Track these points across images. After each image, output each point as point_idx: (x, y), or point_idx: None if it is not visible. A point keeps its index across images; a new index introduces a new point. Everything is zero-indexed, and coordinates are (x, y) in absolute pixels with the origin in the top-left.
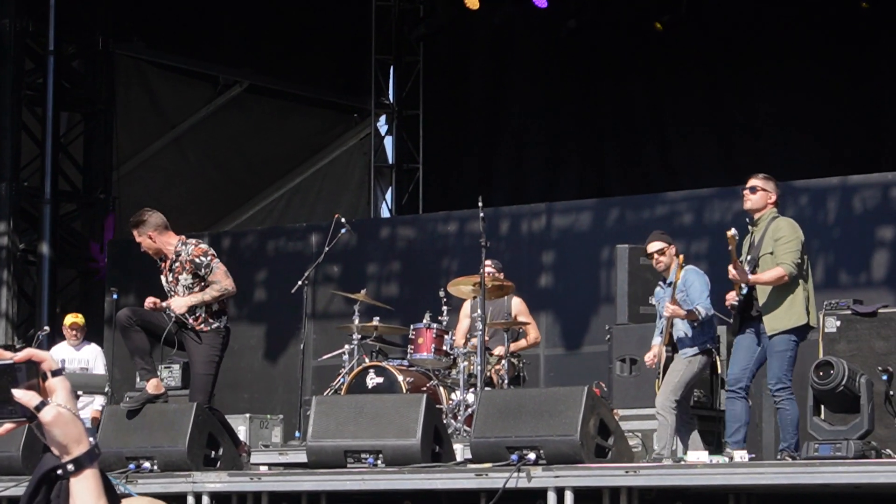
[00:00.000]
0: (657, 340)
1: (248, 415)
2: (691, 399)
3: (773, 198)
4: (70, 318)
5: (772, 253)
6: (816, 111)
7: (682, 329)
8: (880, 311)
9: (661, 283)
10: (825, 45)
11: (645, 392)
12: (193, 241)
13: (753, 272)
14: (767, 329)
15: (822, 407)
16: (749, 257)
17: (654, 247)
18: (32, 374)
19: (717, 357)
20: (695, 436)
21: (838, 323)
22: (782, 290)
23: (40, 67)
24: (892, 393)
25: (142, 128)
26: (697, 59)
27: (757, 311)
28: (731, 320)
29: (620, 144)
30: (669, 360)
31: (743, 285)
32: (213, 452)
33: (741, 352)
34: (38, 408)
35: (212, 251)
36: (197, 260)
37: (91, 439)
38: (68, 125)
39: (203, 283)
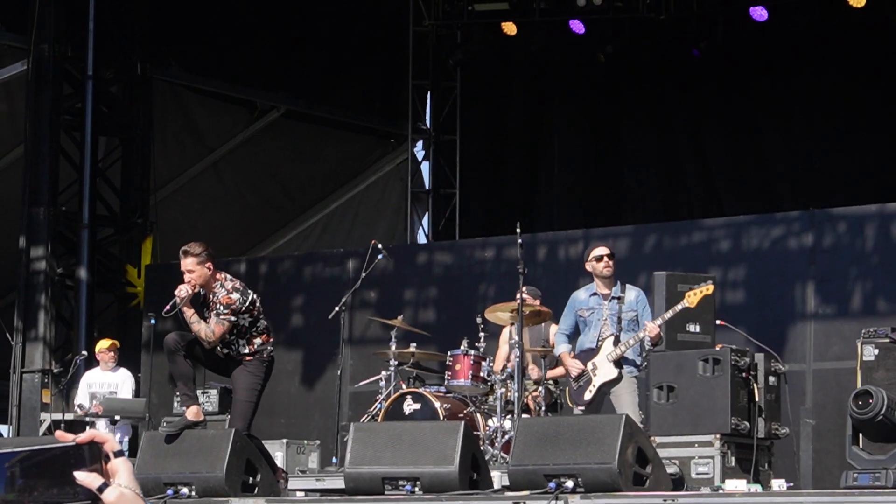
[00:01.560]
0: (590, 345)
1: (285, 440)
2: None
3: None
4: (107, 342)
5: None
6: (855, 138)
7: (635, 352)
8: None
9: (595, 292)
10: (861, 71)
11: (683, 419)
12: (229, 285)
13: None
14: None
15: (861, 436)
16: None
17: (604, 251)
18: (95, 456)
19: (755, 384)
20: None
21: (876, 351)
22: None
23: (79, 92)
24: None
25: (179, 152)
26: (735, 86)
27: None
28: None
29: (660, 170)
30: (616, 381)
31: None
32: (251, 478)
33: None
34: (101, 489)
35: (237, 305)
36: (219, 307)
37: None
38: (106, 150)
39: (236, 328)
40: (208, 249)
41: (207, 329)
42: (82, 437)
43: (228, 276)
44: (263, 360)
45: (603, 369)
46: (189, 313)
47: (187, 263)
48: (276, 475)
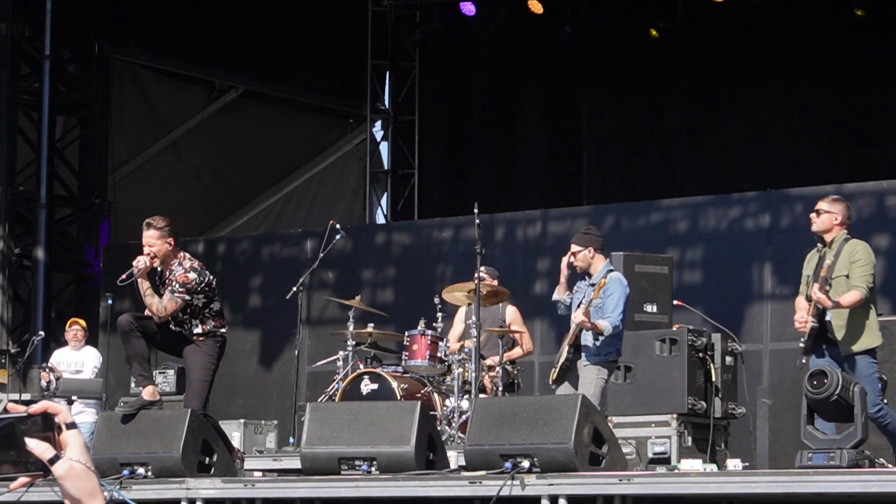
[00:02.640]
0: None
1: (242, 420)
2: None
3: (840, 219)
4: (72, 321)
5: (847, 276)
6: (812, 119)
7: (589, 339)
8: None
9: (587, 277)
10: (820, 52)
11: (640, 399)
12: (187, 264)
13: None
14: (843, 351)
15: (816, 416)
16: (822, 277)
17: (571, 247)
18: (48, 427)
19: (712, 364)
20: None
21: None
22: (858, 312)
23: (36, 72)
24: (885, 401)
25: (137, 132)
26: (693, 67)
27: (832, 335)
28: (802, 341)
29: (620, 150)
30: (569, 363)
31: (822, 308)
32: (208, 459)
33: None
34: (52, 461)
35: (192, 285)
36: (175, 284)
37: (106, 493)
38: (64, 130)
39: (190, 308)
40: (171, 225)
41: (160, 304)
42: (35, 408)
43: (188, 256)
44: (217, 340)
45: (562, 353)
46: (144, 286)
47: (149, 236)
48: (232, 455)
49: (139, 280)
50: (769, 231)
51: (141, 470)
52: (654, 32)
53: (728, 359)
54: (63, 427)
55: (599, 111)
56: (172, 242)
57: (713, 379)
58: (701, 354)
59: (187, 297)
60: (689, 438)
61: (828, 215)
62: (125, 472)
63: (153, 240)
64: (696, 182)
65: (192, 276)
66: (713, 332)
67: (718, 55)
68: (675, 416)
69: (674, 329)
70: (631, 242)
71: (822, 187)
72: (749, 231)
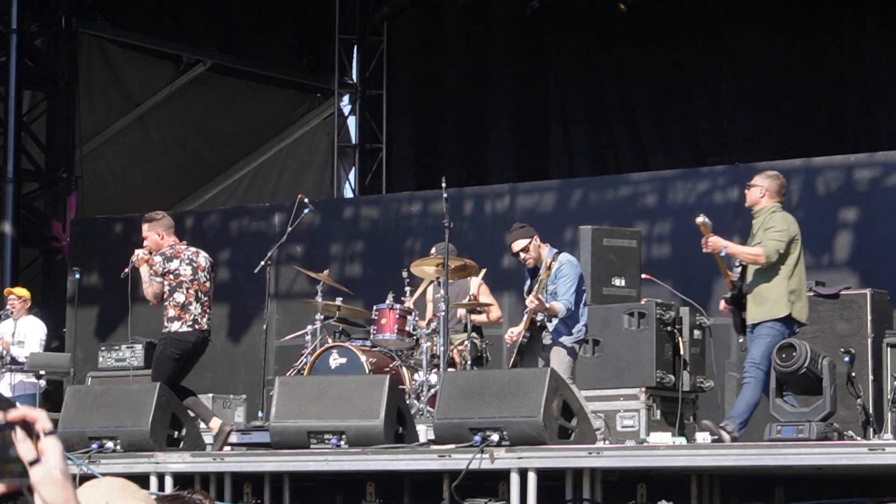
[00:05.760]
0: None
1: (211, 395)
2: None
3: (764, 192)
4: (7, 290)
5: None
6: (780, 93)
7: (551, 322)
8: (843, 292)
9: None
10: (789, 26)
11: (608, 373)
12: (163, 251)
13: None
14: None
15: (785, 389)
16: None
17: (517, 245)
18: (27, 434)
19: (680, 338)
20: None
21: None
22: (761, 278)
23: (3, 46)
24: (853, 374)
25: (105, 106)
26: (661, 40)
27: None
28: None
29: (587, 125)
30: (523, 345)
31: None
32: (177, 433)
33: None
34: (32, 463)
35: (157, 267)
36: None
37: (74, 468)
38: (31, 104)
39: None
40: (157, 219)
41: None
42: (13, 415)
43: (173, 245)
44: (171, 337)
45: (519, 339)
46: (144, 274)
47: (143, 230)
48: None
49: (140, 269)
50: (737, 205)
51: (110, 444)
52: (622, 7)
53: (696, 332)
54: (42, 434)
55: (566, 85)
56: (161, 234)
57: (681, 352)
58: (669, 328)
59: (158, 279)
60: (658, 412)
61: (756, 188)
62: (94, 445)
63: (145, 232)
64: (662, 156)
65: (157, 258)
66: (681, 306)
67: (686, 29)
68: (643, 389)
69: (642, 303)
70: (599, 216)
71: (791, 161)
72: (717, 205)
